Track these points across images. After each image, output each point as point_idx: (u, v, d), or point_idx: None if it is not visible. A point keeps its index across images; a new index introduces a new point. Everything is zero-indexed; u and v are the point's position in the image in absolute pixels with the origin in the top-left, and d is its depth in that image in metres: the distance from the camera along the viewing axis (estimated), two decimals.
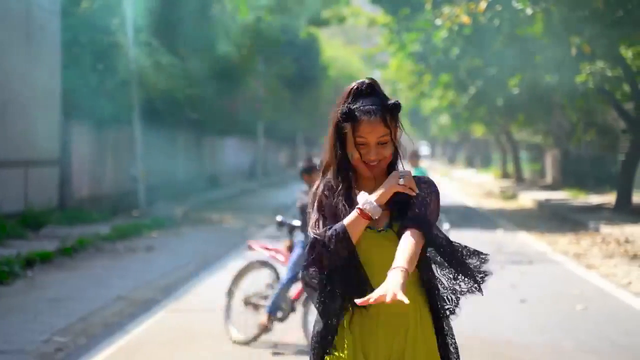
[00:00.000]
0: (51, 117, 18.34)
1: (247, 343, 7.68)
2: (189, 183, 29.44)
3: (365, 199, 3.07)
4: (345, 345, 3.15)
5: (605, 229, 16.43)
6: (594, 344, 7.67)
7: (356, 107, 3.09)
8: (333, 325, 3.16)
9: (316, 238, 3.11)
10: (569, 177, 31.69)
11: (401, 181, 3.07)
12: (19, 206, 16.44)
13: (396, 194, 3.12)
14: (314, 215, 3.20)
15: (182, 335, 8.09)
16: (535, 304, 9.61)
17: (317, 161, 10.46)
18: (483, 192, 34.29)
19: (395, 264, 2.96)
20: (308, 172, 8.12)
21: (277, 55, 36.65)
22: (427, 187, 3.21)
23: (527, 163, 41.16)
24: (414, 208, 3.14)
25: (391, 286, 2.86)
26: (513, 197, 29.45)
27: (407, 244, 3.02)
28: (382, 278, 3.02)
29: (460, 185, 40.71)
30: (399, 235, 3.11)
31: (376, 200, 3.07)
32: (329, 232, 3.08)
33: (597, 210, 20.75)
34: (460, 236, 16.85)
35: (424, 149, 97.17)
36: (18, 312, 8.94)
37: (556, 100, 26.43)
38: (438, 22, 18.60)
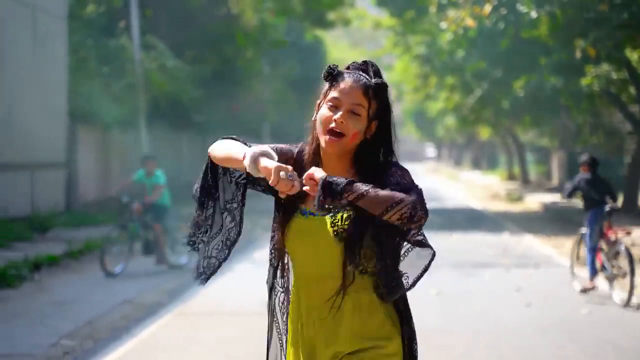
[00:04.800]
0: (58, 120, 18.41)
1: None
2: (194, 185, 29.50)
3: (255, 153, 2.71)
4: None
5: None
6: (598, 348, 7.69)
7: (343, 71, 2.92)
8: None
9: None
10: None
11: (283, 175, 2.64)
12: (26, 209, 16.51)
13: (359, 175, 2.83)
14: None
15: (189, 339, 8.13)
16: (540, 307, 9.64)
17: None
18: (489, 194, 34.28)
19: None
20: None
21: (282, 57, 36.72)
22: (394, 166, 2.88)
23: (534, 165, 41.15)
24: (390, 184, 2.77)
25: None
26: (519, 199, 29.45)
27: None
28: (303, 272, 2.91)
29: (466, 187, 40.71)
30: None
31: (260, 165, 2.69)
32: (229, 137, 2.95)
33: None
34: (466, 239, 16.89)
35: (430, 151, 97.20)
36: (25, 315, 8.99)
37: (562, 102, 26.43)
38: (443, 25, 18.62)
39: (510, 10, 18.56)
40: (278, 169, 2.62)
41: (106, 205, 20.68)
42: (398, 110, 75.34)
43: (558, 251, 14.97)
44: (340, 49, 61.95)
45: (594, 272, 10.33)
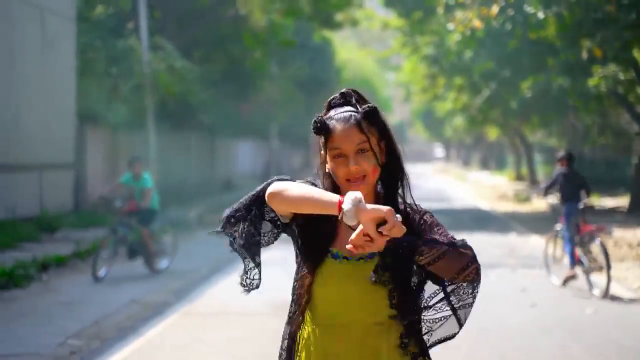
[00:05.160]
0: (66, 121, 18.50)
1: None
2: (202, 186, 29.58)
3: (356, 197, 2.46)
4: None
5: (618, 233, 16.43)
6: (602, 347, 7.72)
7: (328, 117, 2.79)
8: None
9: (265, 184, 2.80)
10: None
11: (397, 218, 2.43)
12: (35, 209, 16.60)
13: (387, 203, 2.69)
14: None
15: (195, 338, 8.18)
16: (545, 307, 9.67)
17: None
18: (497, 194, 34.26)
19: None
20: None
21: (290, 57, 36.78)
22: (432, 218, 2.79)
23: (542, 165, 41.11)
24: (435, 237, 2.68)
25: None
26: (527, 199, 29.43)
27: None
28: (330, 320, 2.75)
29: (474, 187, 40.69)
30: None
31: (358, 211, 2.45)
32: (282, 178, 2.79)
33: (610, 214, 20.73)
34: (473, 239, 16.87)
35: (439, 151, 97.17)
36: (33, 315, 9.06)
37: (570, 103, 26.43)
38: (450, 26, 18.66)
39: (518, 11, 18.57)
40: (392, 211, 2.42)
41: (114, 205, 20.75)
42: (406, 110, 75.36)
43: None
44: (349, 49, 62.00)
45: (573, 261, 10.89)
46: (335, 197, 2.54)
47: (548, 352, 7.60)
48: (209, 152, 32.41)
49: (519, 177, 42.85)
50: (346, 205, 2.46)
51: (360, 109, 2.77)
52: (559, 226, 11.42)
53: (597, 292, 10.38)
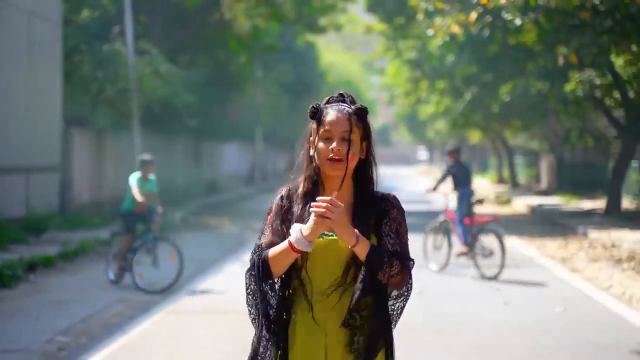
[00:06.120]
0: (52, 124, 18.72)
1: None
2: (188, 188, 29.80)
3: (297, 234, 3.09)
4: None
5: (593, 234, 16.81)
6: (570, 343, 8.06)
7: (324, 106, 3.26)
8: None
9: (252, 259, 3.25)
10: (563, 182, 32.07)
11: (330, 215, 3.03)
12: (21, 211, 16.81)
13: (359, 197, 3.23)
14: (266, 223, 3.31)
15: (180, 336, 8.47)
16: (517, 306, 10.01)
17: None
18: (478, 197, 34.59)
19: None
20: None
21: (275, 61, 37.05)
22: (395, 207, 3.25)
23: (523, 168, 41.54)
24: (389, 238, 3.21)
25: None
26: (507, 202, 29.80)
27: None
28: (323, 289, 3.17)
29: None
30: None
31: (306, 237, 3.09)
32: (255, 257, 3.22)
33: (587, 216, 21.13)
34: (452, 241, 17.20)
35: (422, 154, 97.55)
36: (22, 314, 9.32)
37: (550, 106, 26.84)
38: (430, 32, 19.03)
39: (496, 17, 18.95)
40: (321, 217, 3.03)
41: (100, 207, 20.97)
42: (391, 113, 75.72)
43: (540, 252, 15.34)
44: (334, 52, 62.32)
45: (466, 239, 12.64)
46: (284, 245, 3.12)
47: (520, 346, 7.94)
48: (195, 155, 32.63)
49: (500, 180, 43.26)
50: (292, 238, 3.08)
51: (353, 107, 3.25)
52: (441, 218, 13.22)
53: (482, 275, 12.04)
